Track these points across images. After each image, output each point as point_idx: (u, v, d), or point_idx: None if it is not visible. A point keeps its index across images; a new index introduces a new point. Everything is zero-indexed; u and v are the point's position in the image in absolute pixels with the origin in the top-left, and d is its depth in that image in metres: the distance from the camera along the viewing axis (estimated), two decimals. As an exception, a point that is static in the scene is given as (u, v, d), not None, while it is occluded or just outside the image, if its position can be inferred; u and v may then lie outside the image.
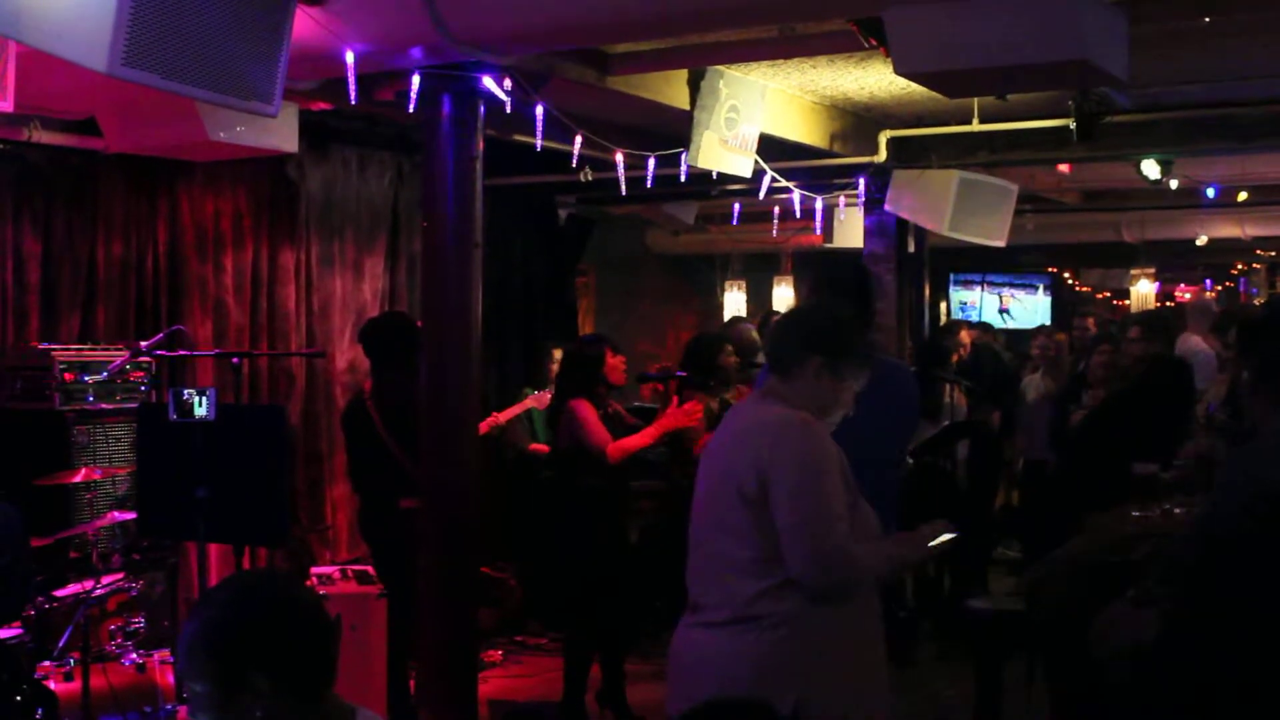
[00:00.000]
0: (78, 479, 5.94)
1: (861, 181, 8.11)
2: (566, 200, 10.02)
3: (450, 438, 5.48)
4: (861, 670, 3.31)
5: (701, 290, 13.98)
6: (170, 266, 7.41)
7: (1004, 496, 9.38)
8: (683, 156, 6.59)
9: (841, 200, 8.55)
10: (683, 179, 6.90)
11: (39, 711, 5.00)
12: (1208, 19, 5.50)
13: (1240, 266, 16.66)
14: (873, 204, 8.46)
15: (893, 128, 8.04)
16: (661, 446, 6.32)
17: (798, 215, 8.45)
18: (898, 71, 4.89)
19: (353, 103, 5.20)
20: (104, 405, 6.46)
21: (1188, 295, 17.14)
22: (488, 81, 5.28)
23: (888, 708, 3.40)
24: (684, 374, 6.54)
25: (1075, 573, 4.77)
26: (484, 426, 6.67)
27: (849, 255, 9.52)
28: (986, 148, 8.04)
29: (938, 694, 6.48)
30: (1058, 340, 9.05)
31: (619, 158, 6.53)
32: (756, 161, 7.07)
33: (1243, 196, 10.74)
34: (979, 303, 13.56)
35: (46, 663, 5.62)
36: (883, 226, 8.74)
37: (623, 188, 6.96)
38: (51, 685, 5.35)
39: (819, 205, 8.38)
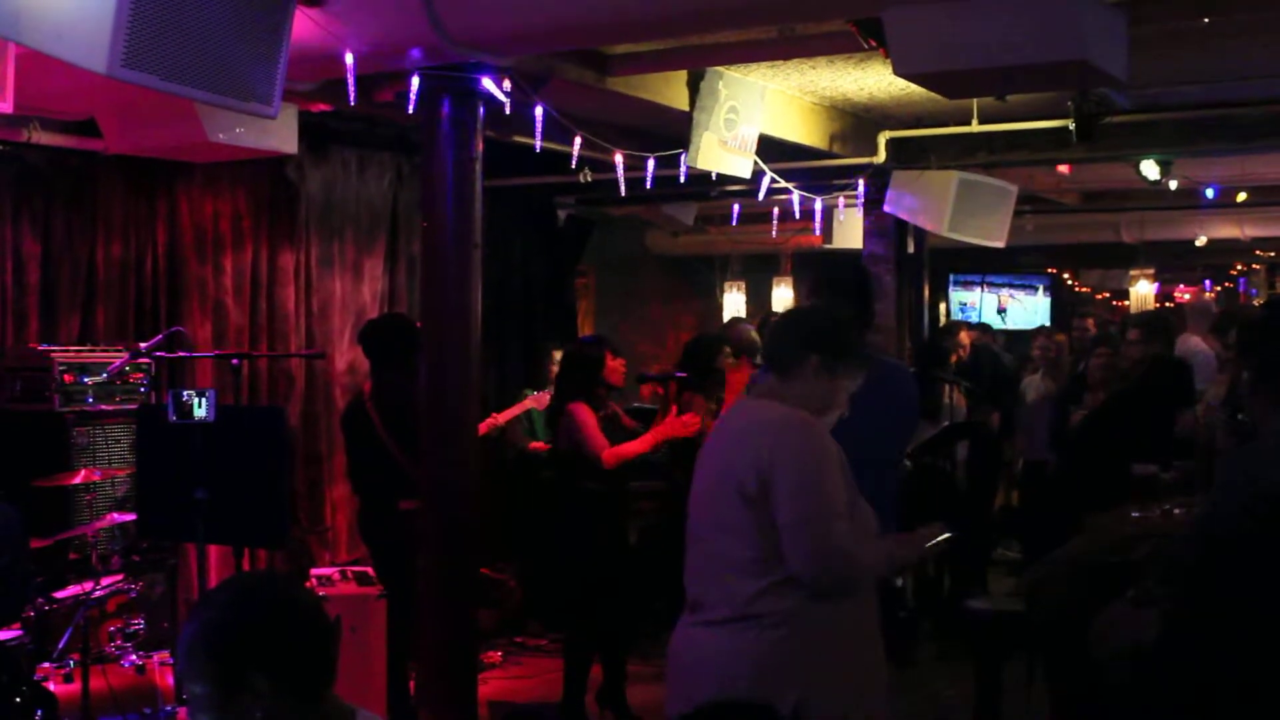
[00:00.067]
0: (77, 480, 5.93)
1: (861, 182, 8.11)
2: (566, 201, 10.01)
3: (450, 438, 5.47)
4: (861, 669, 3.31)
5: (701, 291, 13.98)
6: (170, 268, 7.41)
7: (1004, 497, 9.39)
8: (682, 157, 6.59)
9: (841, 201, 8.55)
10: (682, 180, 6.90)
11: (38, 713, 4.99)
12: (1207, 19, 5.49)
13: (1240, 267, 16.66)
14: (872, 205, 8.46)
15: (892, 128, 8.05)
16: (663, 446, 6.33)
17: (797, 216, 8.46)
18: (897, 72, 4.89)
19: (352, 104, 5.20)
20: (103, 406, 6.45)
21: (1187, 296, 17.14)
22: (487, 83, 5.28)
23: (887, 707, 3.41)
24: (683, 375, 6.54)
25: (1075, 573, 4.77)
26: (483, 427, 6.67)
27: (848, 256, 9.52)
28: (986, 148, 8.04)
29: (938, 694, 6.48)
30: (1058, 341, 9.06)
31: (618, 159, 6.54)
32: (756, 162, 7.07)
33: (1242, 197, 10.74)
34: (979, 304, 13.56)
35: (46, 664, 5.61)
36: (882, 227, 8.74)
37: (622, 189, 6.96)
38: (51, 687, 5.34)
39: (818, 206, 8.38)
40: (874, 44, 5.01)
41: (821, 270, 5.07)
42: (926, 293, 9.70)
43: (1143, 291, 15.03)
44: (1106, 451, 6.28)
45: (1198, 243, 12.93)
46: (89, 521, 5.98)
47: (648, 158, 6.65)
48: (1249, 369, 3.93)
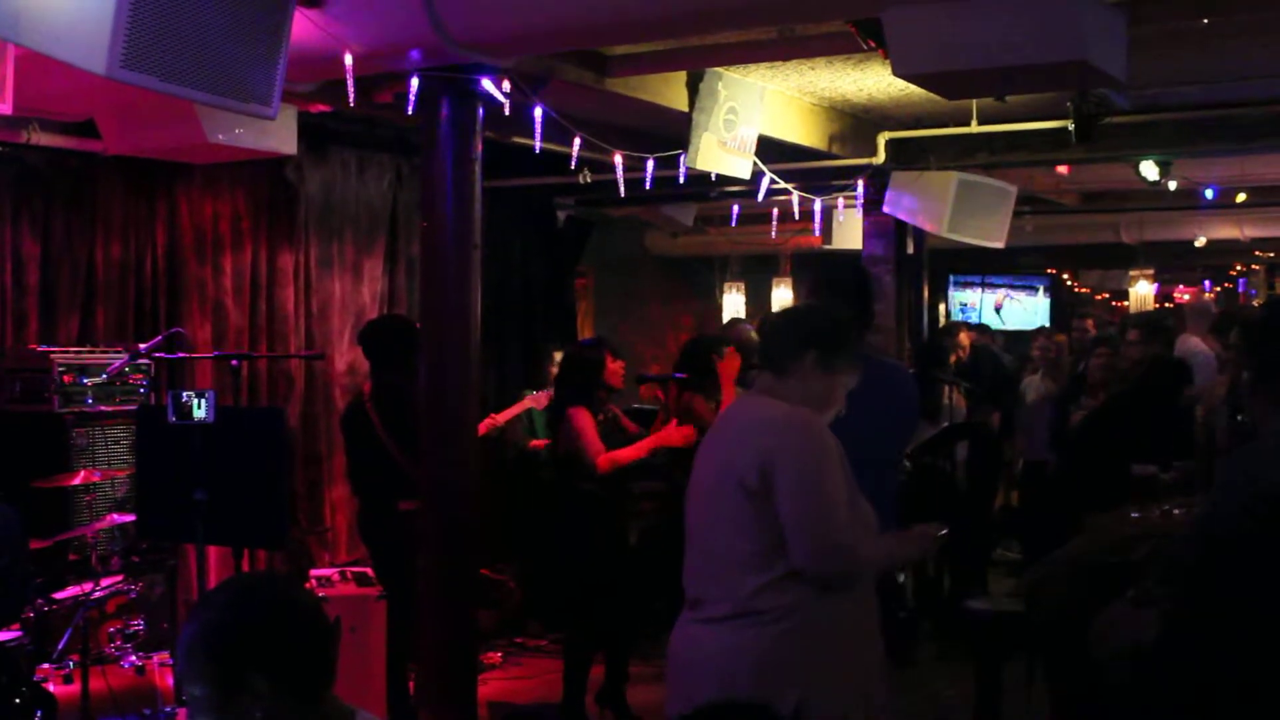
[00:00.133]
0: (77, 481, 5.93)
1: (860, 183, 8.11)
2: (565, 202, 10.02)
3: (450, 438, 5.47)
4: (861, 668, 3.32)
5: (700, 292, 13.98)
6: (169, 269, 7.41)
7: (1004, 497, 9.39)
8: (681, 158, 6.59)
9: (840, 202, 8.55)
10: (681, 181, 6.90)
11: (38, 714, 5.00)
12: (1207, 20, 5.49)
13: (1239, 267, 16.66)
14: (871, 205, 8.46)
15: (891, 129, 8.05)
16: (660, 452, 6.33)
17: (796, 217, 8.45)
18: (896, 73, 4.88)
19: (351, 105, 5.20)
20: (103, 407, 6.45)
21: (1186, 296, 17.15)
22: (486, 84, 5.28)
23: (887, 706, 3.41)
24: (683, 376, 6.54)
25: (1075, 573, 4.77)
26: (482, 428, 6.67)
27: (848, 257, 9.52)
28: (985, 149, 8.05)
29: (938, 694, 6.48)
30: (1058, 341, 9.06)
31: (618, 159, 6.54)
32: (755, 163, 7.07)
33: (1241, 198, 10.74)
34: (979, 304, 13.57)
35: (46, 665, 5.60)
36: (882, 228, 8.74)
37: (621, 189, 6.96)
38: (51, 688, 5.33)
39: (818, 207, 8.38)
40: (873, 44, 5.01)
41: (821, 271, 5.07)
42: (926, 293, 9.71)
43: (1142, 292, 15.03)
44: (1106, 452, 6.27)
45: (1197, 243, 12.93)
46: (88, 522, 5.98)
47: (647, 158, 6.65)
48: (1249, 369, 3.92)
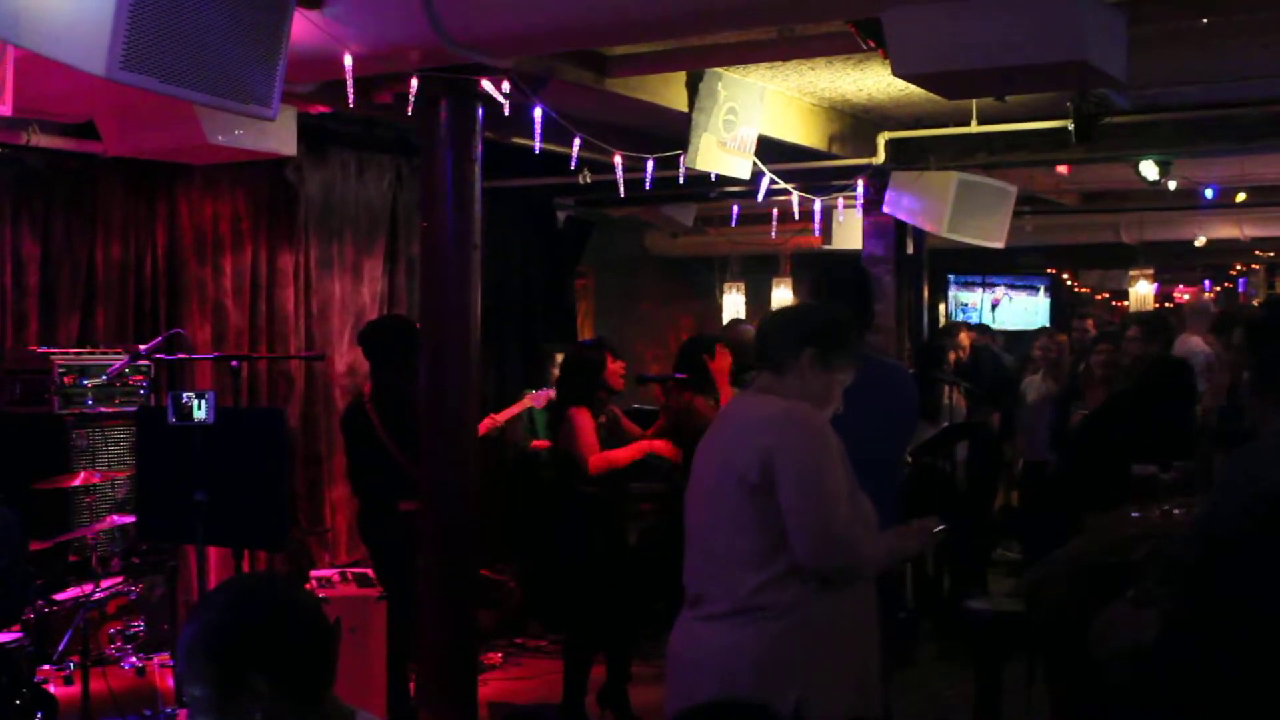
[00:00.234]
0: (77, 482, 5.93)
1: (860, 183, 8.11)
2: (565, 202, 10.02)
3: (450, 438, 5.47)
4: (861, 667, 3.32)
5: (700, 292, 13.98)
6: (169, 269, 7.41)
7: (1004, 497, 9.38)
8: (681, 158, 6.58)
9: (840, 202, 8.55)
10: (681, 181, 6.90)
11: (39, 715, 5.00)
12: (1207, 20, 5.49)
13: (1239, 267, 16.66)
14: (871, 205, 8.46)
15: (891, 129, 8.04)
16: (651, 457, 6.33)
17: (796, 217, 8.45)
18: (896, 73, 4.88)
19: (351, 106, 5.19)
20: (103, 409, 6.45)
21: (1186, 296, 17.15)
22: (486, 84, 5.28)
23: (885, 704, 3.42)
24: (683, 376, 6.54)
25: (1075, 573, 4.77)
26: (482, 428, 6.67)
27: (848, 257, 9.52)
28: (985, 149, 8.04)
29: (938, 694, 6.48)
30: (1058, 341, 9.05)
31: (617, 160, 6.53)
32: (755, 163, 7.06)
33: (1241, 197, 10.74)
34: (979, 304, 13.56)
35: (46, 666, 5.61)
36: (881, 228, 8.73)
37: (621, 190, 6.95)
38: (51, 689, 5.33)
39: (818, 207, 8.38)
40: (873, 45, 5.00)
41: (821, 271, 5.07)
42: (926, 293, 9.71)
43: (1142, 292, 15.03)
44: (1106, 452, 6.27)
45: (1197, 243, 12.93)
46: (89, 524, 5.98)
47: (647, 159, 6.65)
48: (1249, 369, 3.92)
